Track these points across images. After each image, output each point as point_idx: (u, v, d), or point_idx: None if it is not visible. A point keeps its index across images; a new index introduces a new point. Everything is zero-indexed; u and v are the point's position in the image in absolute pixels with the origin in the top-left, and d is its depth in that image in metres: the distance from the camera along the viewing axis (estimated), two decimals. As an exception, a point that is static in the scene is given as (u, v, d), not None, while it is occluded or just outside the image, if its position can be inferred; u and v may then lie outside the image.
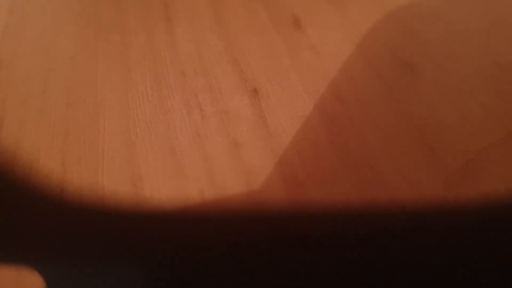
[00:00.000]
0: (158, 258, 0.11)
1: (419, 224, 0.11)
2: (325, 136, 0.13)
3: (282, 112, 0.14)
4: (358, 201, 0.11)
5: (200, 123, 0.14)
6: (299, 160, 0.12)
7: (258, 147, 0.13)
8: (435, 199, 0.11)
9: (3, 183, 0.12)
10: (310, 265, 0.10)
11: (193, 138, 0.13)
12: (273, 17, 0.17)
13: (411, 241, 0.10)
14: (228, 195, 0.12)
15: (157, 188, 0.12)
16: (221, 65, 0.15)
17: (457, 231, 0.11)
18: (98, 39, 0.17)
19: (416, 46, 0.15)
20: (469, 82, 0.14)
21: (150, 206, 0.12)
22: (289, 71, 0.15)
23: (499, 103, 0.13)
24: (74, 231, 0.11)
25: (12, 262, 0.11)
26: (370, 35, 0.16)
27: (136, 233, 0.11)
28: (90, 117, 0.14)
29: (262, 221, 0.11)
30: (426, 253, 0.10)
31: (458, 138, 0.13)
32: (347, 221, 0.11)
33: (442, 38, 0.16)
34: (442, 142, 0.13)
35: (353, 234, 0.11)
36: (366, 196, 0.12)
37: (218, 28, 0.17)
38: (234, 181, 0.12)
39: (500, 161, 0.12)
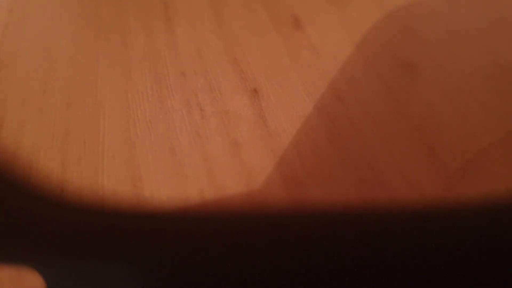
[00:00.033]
0: (158, 258, 0.11)
1: (419, 224, 0.11)
2: (325, 136, 0.13)
3: (282, 112, 0.14)
4: (358, 201, 0.11)
5: (200, 123, 0.14)
6: (299, 160, 0.12)
7: (258, 147, 0.13)
8: (435, 199, 0.11)
9: (3, 183, 0.12)
10: (310, 265, 0.10)
11: (193, 138, 0.13)
12: (273, 17, 0.17)
13: (411, 241, 0.10)
14: (228, 195, 0.12)
15: (157, 188, 0.12)
16: (221, 65, 0.15)
17: (457, 231, 0.11)
18: (98, 39, 0.17)
19: (416, 46, 0.15)
20: (469, 82, 0.14)
21: (150, 206, 0.12)
22: (289, 71, 0.15)
23: (499, 103, 0.13)
24: (74, 231, 0.11)
25: (12, 262, 0.11)
26: (370, 35, 0.16)
27: (136, 233, 0.11)
28: (90, 117, 0.14)
29: (262, 221, 0.11)
30: (426, 253, 0.10)
31: (458, 138, 0.13)
32: (347, 221, 0.11)
33: (442, 38, 0.16)
34: (442, 142, 0.13)
35: (353, 234, 0.11)
36: (366, 196, 0.12)
37: (218, 28, 0.17)
38: (234, 181, 0.12)
39: (500, 161, 0.12)
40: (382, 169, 0.12)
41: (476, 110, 0.13)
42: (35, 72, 0.16)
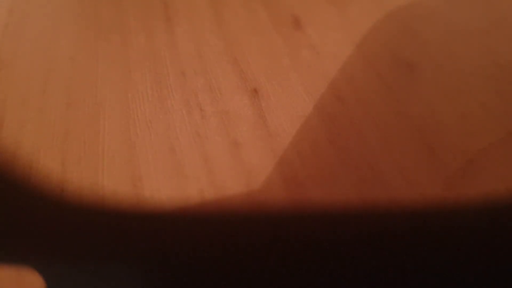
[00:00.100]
0: (158, 258, 0.11)
1: (419, 224, 0.11)
2: (325, 136, 0.13)
3: (282, 112, 0.14)
4: (358, 201, 0.11)
5: (200, 123, 0.14)
6: (299, 160, 0.12)
7: (258, 147, 0.13)
8: (435, 199, 0.11)
9: (3, 183, 0.12)
10: (310, 265, 0.10)
11: (193, 138, 0.13)
12: (273, 17, 0.17)
13: (411, 241, 0.10)
14: (228, 195, 0.12)
15: (157, 188, 0.12)
16: (221, 65, 0.15)
17: (457, 231, 0.11)
18: (98, 39, 0.17)
19: (416, 46, 0.15)
20: (469, 82, 0.14)
21: (150, 206, 0.12)
22: (289, 71, 0.15)
23: (499, 103, 0.13)
24: (74, 231, 0.11)
25: (12, 262, 0.11)
26: (370, 35, 0.16)
27: (136, 233, 0.11)
28: (90, 117, 0.14)
29: (262, 221, 0.11)
30: (426, 253, 0.10)
31: (458, 138, 0.13)
32: (347, 221, 0.11)
33: (442, 38, 0.16)
34: (442, 142, 0.13)
35: (353, 234, 0.11)
36: (366, 196, 0.12)
37: (218, 28, 0.17)
38: (234, 181, 0.12)
39: (500, 161, 0.12)
40: (382, 169, 0.12)
41: (476, 110, 0.13)
42: (35, 72, 0.16)
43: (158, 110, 0.14)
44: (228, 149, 0.13)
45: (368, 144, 0.13)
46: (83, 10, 0.18)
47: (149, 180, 0.12)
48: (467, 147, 0.12)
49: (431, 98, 0.14)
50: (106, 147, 0.13)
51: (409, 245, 0.10)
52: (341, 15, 0.17)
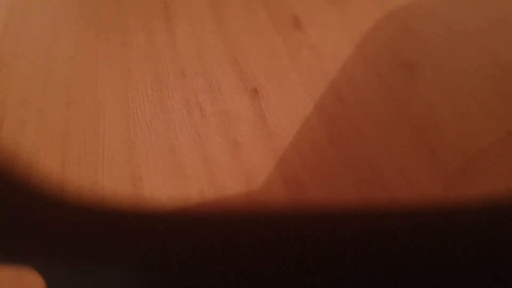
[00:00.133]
0: (158, 258, 0.11)
1: (419, 224, 0.11)
2: (325, 136, 0.13)
3: (282, 112, 0.14)
4: (358, 201, 0.11)
5: (200, 123, 0.14)
6: (299, 160, 0.12)
7: (258, 147, 0.13)
8: (435, 199, 0.11)
9: (3, 183, 0.12)
10: (310, 265, 0.10)
11: (193, 138, 0.13)
12: (273, 17, 0.17)
13: (411, 241, 0.10)
14: (228, 195, 0.12)
15: (157, 188, 0.12)
16: (221, 65, 0.15)
17: (457, 231, 0.11)
18: (98, 39, 0.17)
19: (416, 46, 0.15)
20: (469, 82, 0.14)
21: (150, 206, 0.12)
22: (289, 71, 0.15)
23: (499, 103, 0.13)
24: (74, 231, 0.11)
25: (12, 262, 0.11)
26: (370, 35, 0.16)
27: (136, 233, 0.11)
28: (90, 117, 0.14)
29: (262, 221, 0.11)
30: (426, 253, 0.10)
31: (458, 138, 0.13)
32: (347, 221, 0.11)
33: (442, 38, 0.16)
34: (442, 142, 0.13)
35: (353, 234, 0.11)
36: (366, 196, 0.12)
37: (218, 28, 0.17)
38: (234, 181, 0.12)
39: (500, 161, 0.12)
40: (382, 169, 0.12)
41: (476, 110, 0.13)
42: (35, 72, 0.16)
43: (158, 110, 0.14)
44: (228, 149, 0.13)
45: (368, 144, 0.13)
46: (83, 10, 0.18)
47: (149, 180, 0.12)
48: (467, 147, 0.12)
49: (431, 98, 0.14)
50: (106, 147, 0.13)
51: (409, 245, 0.10)
52: (341, 15, 0.17)
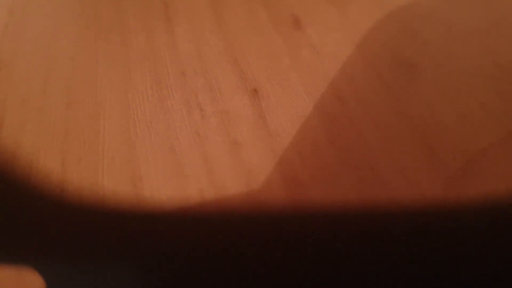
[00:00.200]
0: (158, 258, 0.11)
1: (419, 224, 0.11)
2: (325, 136, 0.13)
3: (282, 112, 0.14)
4: (358, 201, 0.11)
5: (200, 123, 0.14)
6: (299, 160, 0.12)
7: (258, 147, 0.13)
8: (435, 199, 0.11)
9: (3, 183, 0.12)
10: (310, 265, 0.10)
11: (193, 138, 0.13)
12: (273, 17, 0.17)
13: (411, 241, 0.10)
14: (228, 195, 0.12)
15: (157, 188, 0.12)
16: (221, 65, 0.15)
17: (457, 231, 0.11)
18: (98, 39, 0.17)
19: (416, 46, 0.15)
20: (469, 82, 0.14)
21: (150, 206, 0.12)
22: (289, 71, 0.15)
23: (499, 103, 0.13)
24: (74, 231, 0.11)
25: (12, 262, 0.11)
26: (370, 35, 0.16)
27: (136, 233, 0.11)
28: (90, 117, 0.14)
29: (262, 221, 0.11)
30: (426, 253, 0.10)
31: (458, 138, 0.13)
32: (347, 221, 0.11)
33: (442, 38, 0.16)
34: (442, 142, 0.13)
35: (353, 234, 0.11)
36: (366, 196, 0.12)
37: (218, 28, 0.17)
38: (234, 181, 0.12)
39: (500, 161, 0.12)
40: (382, 169, 0.12)
41: (476, 110, 0.13)
42: (35, 72, 0.16)
43: (158, 110, 0.14)
44: (228, 149, 0.13)
45: (368, 144, 0.13)
46: (83, 10, 0.18)
47: (149, 180, 0.12)
48: (467, 147, 0.12)
49: (431, 98, 0.14)
50: (106, 147, 0.13)
51: (409, 245, 0.10)
52: (341, 15, 0.17)
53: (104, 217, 0.11)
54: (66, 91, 0.15)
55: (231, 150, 0.13)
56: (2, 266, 0.11)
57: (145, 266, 0.10)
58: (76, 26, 0.17)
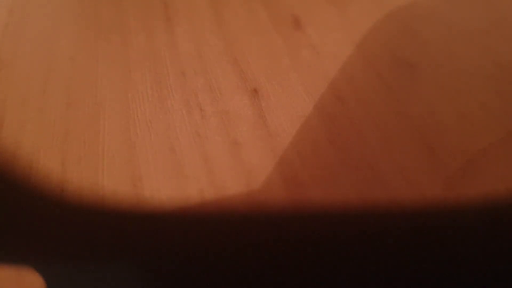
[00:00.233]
0: (158, 258, 0.11)
1: (419, 224, 0.11)
2: (325, 136, 0.13)
3: (282, 112, 0.14)
4: (358, 201, 0.11)
5: (200, 123, 0.14)
6: (299, 160, 0.12)
7: (258, 147, 0.13)
8: (435, 199, 0.11)
9: (3, 183, 0.12)
10: (310, 265, 0.10)
11: (193, 138, 0.13)
12: (273, 17, 0.17)
13: (411, 241, 0.10)
14: (228, 195, 0.12)
15: (157, 188, 0.12)
16: (221, 65, 0.15)
17: (457, 231, 0.11)
18: (98, 39, 0.17)
19: (416, 46, 0.15)
20: (469, 82, 0.14)
21: (150, 206, 0.12)
22: (289, 71, 0.15)
23: (499, 103, 0.13)
24: (74, 231, 0.11)
25: (12, 262, 0.11)
26: (370, 35, 0.16)
27: (136, 233, 0.11)
28: (90, 117, 0.14)
29: (262, 221, 0.11)
30: (426, 253, 0.10)
31: (458, 138, 0.13)
32: (347, 221, 0.11)
33: (442, 38, 0.16)
34: (442, 142, 0.13)
35: (353, 234, 0.11)
36: (366, 196, 0.12)
37: (218, 28, 0.17)
38: (234, 181, 0.12)
39: (500, 161, 0.12)
40: (382, 169, 0.12)
41: (476, 110, 0.13)
42: (35, 72, 0.16)
43: (158, 110, 0.14)
44: (228, 149, 0.13)
45: (368, 144, 0.13)
46: (83, 10, 0.18)
47: (149, 180, 0.12)
48: (467, 147, 0.12)
49: (431, 98, 0.14)
50: (106, 147, 0.13)
51: (409, 245, 0.10)
52: (341, 15, 0.17)
53: (104, 217, 0.11)
54: (66, 91, 0.15)
55: (231, 150, 0.13)
56: (2, 266, 0.11)
57: (145, 266, 0.10)
58: (76, 26, 0.18)
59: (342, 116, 0.13)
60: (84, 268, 0.10)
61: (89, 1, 0.19)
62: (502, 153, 0.12)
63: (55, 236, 0.11)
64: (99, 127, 0.14)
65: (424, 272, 0.10)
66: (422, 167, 0.12)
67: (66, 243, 0.11)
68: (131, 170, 0.13)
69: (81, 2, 0.19)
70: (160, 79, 0.15)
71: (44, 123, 0.14)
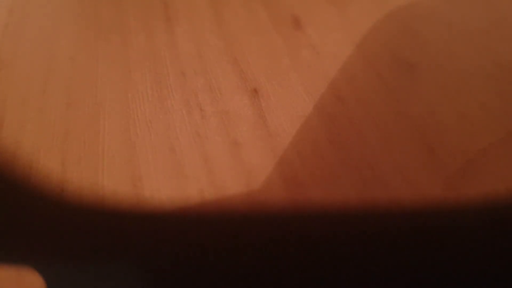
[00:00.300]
0: (158, 258, 0.11)
1: (419, 224, 0.11)
2: (325, 136, 0.13)
3: (282, 112, 0.14)
4: (358, 201, 0.11)
5: (200, 123, 0.14)
6: (299, 160, 0.12)
7: (258, 147, 0.13)
8: (435, 199, 0.11)
9: (3, 183, 0.12)
10: (310, 265, 0.10)
11: (193, 138, 0.13)
12: (273, 17, 0.17)
13: (411, 241, 0.10)
14: (228, 195, 0.12)
15: (157, 188, 0.12)
16: (221, 65, 0.15)
17: (457, 231, 0.11)
18: (98, 39, 0.17)
19: (416, 46, 0.15)
20: (469, 82, 0.14)
21: (150, 206, 0.12)
22: (289, 71, 0.15)
23: (499, 103, 0.13)
24: (74, 231, 0.11)
25: (12, 262, 0.11)
26: (370, 35, 0.16)
27: (136, 233, 0.11)
28: (90, 117, 0.14)
29: (262, 221, 0.11)
30: (426, 253, 0.10)
31: (458, 138, 0.13)
32: (347, 221, 0.11)
33: (442, 38, 0.16)
34: (442, 142, 0.13)
35: (353, 234, 0.11)
36: (366, 196, 0.12)
37: (218, 28, 0.17)
38: (234, 181, 0.12)
39: (500, 161, 0.12)
40: (382, 169, 0.12)
41: (476, 110, 0.13)
42: (35, 72, 0.16)
43: (158, 110, 0.14)
44: (228, 149, 0.13)
45: (368, 144, 0.13)
46: (83, 10, 0.18)
47: (149, 180, 0.12)
48: (467, 147, 0.12)
49: (431, 98, 0.14)
50: (106, 147, 0.13)
51: (409, 245, 0.10)
52: (341, 15, 0.17)
53: (104, 217, 0.11)
54: (66, 91, 0.15)
55: (231, 150, 0.13)
56: (2, 266, 0.11)
57: (145, 266, 0.10)
58: (76, 26, 0.18)
59: (342, 116, 0.13)
60: (84, 268, 0.10)
61: (89, 1, 0.19)
62: (502, 153, 0.12)
63: (55, 236, 0.11)
64: (99, 127, 0.14)
65: (424, 272, 0.10)
66: (422, 167, 0.12)
67: (66, 243, 0.11)
68: (131, 170, 0.13)
69: (81, 2, 0.19)
70: (160, 79, 0.15)
71: (44, 123, 0.14)
